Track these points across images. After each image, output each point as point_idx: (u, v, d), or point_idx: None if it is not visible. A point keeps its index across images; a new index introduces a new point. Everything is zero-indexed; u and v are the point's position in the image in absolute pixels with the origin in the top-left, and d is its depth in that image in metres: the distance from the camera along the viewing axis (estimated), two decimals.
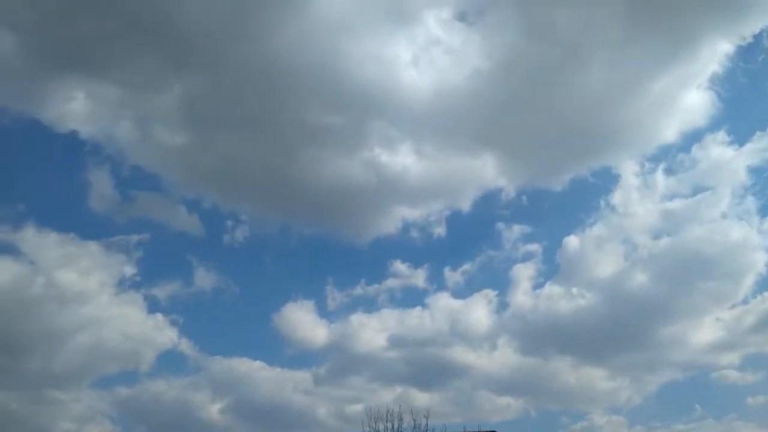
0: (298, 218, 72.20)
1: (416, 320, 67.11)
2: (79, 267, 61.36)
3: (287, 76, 64.34)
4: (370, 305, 69.54)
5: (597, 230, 69.65)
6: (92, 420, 57.19)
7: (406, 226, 70.32)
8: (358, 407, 54.42)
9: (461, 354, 64.42)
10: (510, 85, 65.99)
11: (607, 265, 67.03)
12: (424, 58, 71.36)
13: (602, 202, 72.64)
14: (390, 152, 69.92)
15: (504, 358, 65.13)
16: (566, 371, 64.27)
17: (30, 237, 60.38)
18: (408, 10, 69.73)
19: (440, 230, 71.01)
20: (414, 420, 35.46)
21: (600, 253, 67.75)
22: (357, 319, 66.87)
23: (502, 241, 72.05)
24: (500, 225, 71.70)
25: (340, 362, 65.01)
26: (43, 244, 60.95)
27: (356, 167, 69.36)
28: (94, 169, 68.37)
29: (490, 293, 67.38)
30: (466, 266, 70.12)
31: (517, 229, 70.76)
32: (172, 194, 69.36)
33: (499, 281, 71.96)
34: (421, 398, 61.56)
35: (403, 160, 69.89)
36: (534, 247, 69.90)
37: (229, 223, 70.17)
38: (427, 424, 35.60)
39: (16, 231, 60.62)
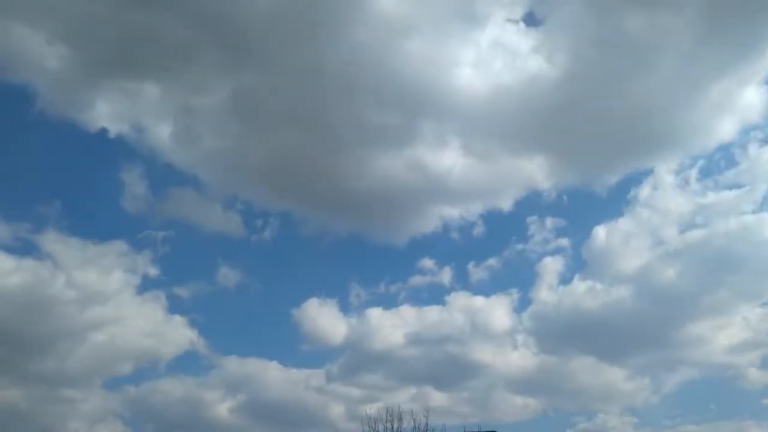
0: (338, 218, 72.86)
1: (436, 318, 67.25)
2: (102, 266, 62.28)
3: (342, 75, 64.56)
4: (390, 303, 70.52)
5: (626, 224, 69.85)
6: (104, 420, 57.86)
7: (444, 226, 70.87)
8: (374, 406, 54.48)
9: (481, 353, 64.69)
10: (568, 89, 65.52)
11: (634, 259, 67.21)
12: (485, 59, 71.17)
13: (636, 198, 71.84)
14: (437, 152, 70.17)
15: (524, 356, 65.30)
16: (586, 371, 64.38)
17: (55, 236, 61.71)
18: (476, 12, 69.97)
19: (478, 230, 71.75)
20: (414, 420, 35.96)
21: (627, 248, 67.97)
22: (376, 316, 67.10)
23: (531, 237, 72.11)
24: (531, 219, 71.85)
25: (356, 360, 65.30)
26: (67, 243, 62.16)
27: (402, 167, 69.79)
28: (130, 168, 69.01)
29: (514, 291, 68.08)
30: (492, 262, 70.44)
31: (549, 223, 71.13)
32: (211, 194, 70.04)
33: (524, 278, 71.42)
34: (437, 397, 62.20)
35: (449, 160, 70.05)
36: (563, 241, 70.15)
37: (261, 222, 71.09)
38: (427, 424, 36.11)
39: (41, 231, 61.82)
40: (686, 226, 66.70)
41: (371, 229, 73.74)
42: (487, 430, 40.97)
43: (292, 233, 73.25)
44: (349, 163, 68.66)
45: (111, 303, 61.34)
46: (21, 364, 58.40)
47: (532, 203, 72.93)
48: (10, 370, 57.80)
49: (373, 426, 35.28)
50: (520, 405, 63.60)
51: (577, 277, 68.28)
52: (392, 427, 35.40)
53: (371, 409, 36.64)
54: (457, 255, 73.04)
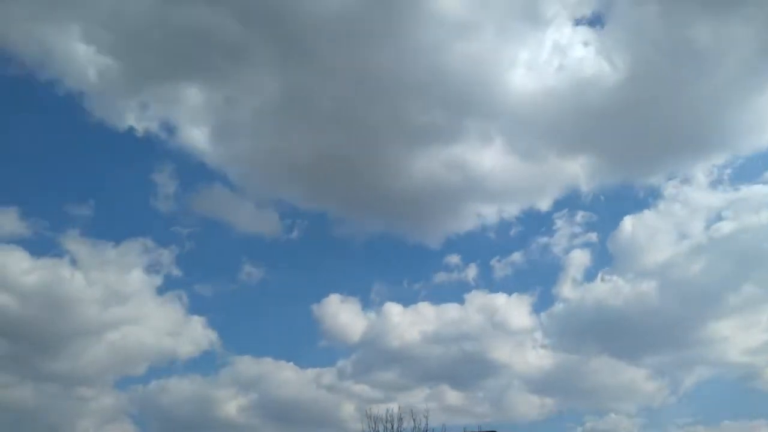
0: (373, 218, 73.82)
1: (456, 316, 67.65)
2: (125, 265, 63.86)
3: (391, 75, 66.00)
4: (410, 300, 72.61)
5: (653, 218, 69.77)
6: (116, 419, 59.04)
7: (481, 226, 71.65)
8: (386, 405, 54.80)
9: (499, 351, 65.00)
10: (624, 92, 65.89)
11: (659, 254, 67.33)
12: (541, 60, 71.97)
13: (667, 193, 71.67)
14: (479, 151, 70.90)
15: (542, 355, 65.55)
16: (604, 370, 64.41)
17: (79, 235, 63.82)
18: (541, 12, 70.48)
19: (515, 230, 73.11)
20: (414, 420, 36.40)
21: (653, 242, 68.00)
22: (396, 313, 67.62)
23: (557, 233, 72.35)
24: (559, 214, 72.29)
25: (372, 357, 65.92)
26: (91, 243, 64.11)
27: (442, 166, 70.50)
28: (165, 168, 70.69)
29: (537, 288, 69.21)
30: (518, 260, 71.26)
31: (579, 218, 71.38)
32: (247, 193, 71.68)
33: (548, 275, 72.18)
34: (453, 396, 63.03)
35: (491, 159, 70.79)
36: (591, 236, 70.22)
37: (294, 222, 72.44)
38: (427, 424, 36.55)
39: (67, 230, 64.33)
40: (714, 221, 66.62)
41: (406, 228, 74.61)
42: (491, 430, 41.37)
43: (323, 233, 74.91)
44: (390, 163, 69.75)
45: (131, 303, 62.73)
46: (38, 361, 59.85)
47: (571, 203, 73.68)
48: (25, 368, 59.16)
49: (374, 426, 35.79)
50: (536, 404, 63.82)
51: (601, 273, 68.52)
52: (392, 427, 35.93)
53: (372, 409, 36.82)
54: (487, 254, 74.59)
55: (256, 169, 70.73)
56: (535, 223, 74.67)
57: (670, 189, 70.12)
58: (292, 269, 74.01)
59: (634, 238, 68.60)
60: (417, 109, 67.23)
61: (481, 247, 73.33)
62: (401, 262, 77.02)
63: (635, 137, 67.37)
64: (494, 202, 73.48)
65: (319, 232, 74.66)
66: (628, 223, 69.17)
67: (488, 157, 70.48)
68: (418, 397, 61.80)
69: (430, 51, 65.69)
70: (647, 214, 70.59)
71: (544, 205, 71.06)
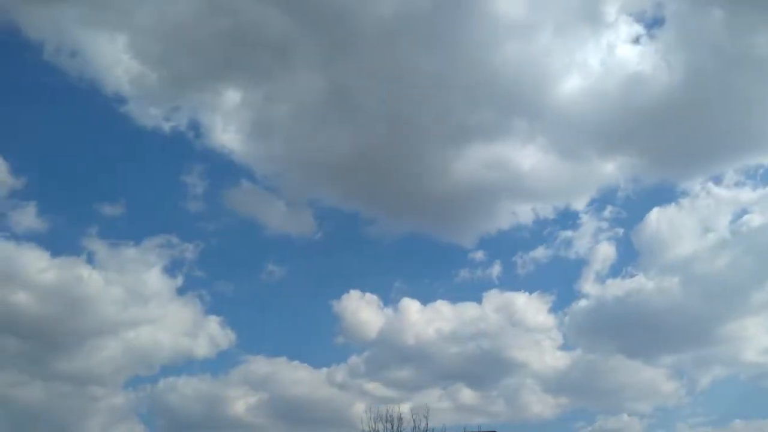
0: (407, 217, 74.29)
1: (476, 314, 67.92)
2: (147, 264, 65.03)
3: (439, 74, 66.59)
4: (429, 298, 72.62)
5: (679, 214, 69.61)
6: (127, 418, 59.93)
7: (515, 225, 72.13)
8: (403, 404, 55.45)
9: (517, 350, 65.32)
10: (674, 94, 66.02)
11: (683, 250, 67.41)
12: (594, 60, 72.69)
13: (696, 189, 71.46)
14: (520, 151, 71.28)
15: (560, 354, 66.06)
16: (621, 369, 64.58)
17: (102, 234, 64.99)
18: (601, 14, 71.15)
19: (549, 229, 73.44)
20: (414, 420, 37.33)
21: (678, 238, 67.93)
22: (414, 311, 68.00)
23: (581, 229, 72.67)
24: (585, 210, 72.45)
25: (387, 355, 66.26)
26: (114, 242, 65.26)
27: (482, 166, 71.01)
28: (197, 167, 71.86)
29: (558, 287, 69.95)
30: (541, 258, 71.71)
31: (607, 214, 71.78)
32: (282, 192, 72.68)
33: (572, 273, 72.22)
34: (468, 395, 63.89)
35: (532, 159, 71.13)
36: (617, 232, 70.54)
37: (325, 221, 73.02)
38: (427, 424, 37.47)
39: (90, 232, 65.22)
40: (741, 215, 66.62)
41: (439, 228, 75.52)
42: (491, 430, 42.21)
43: (353, 232, 76.00)
44: (430, 163, 70.67)
45: (149, 302, 63.74)
46: (53, 360, 61.12)
47: (605, 203, 74.09)
48: (38, 367, 60.09)
49: (373, 426, 36.74)
50: (551, 404, 64.16)
51: (624, 269, 69.00)
52: (392, 427, 36.86)
53: (373, 409, 37.78)
54: (514, 253, 74.67)
55: (293, 168, 71.70)
56: (569, 222, 76.39)
57: (698, 187, 70.13)
58: (315, 268, 75.06)
59: (658, 233, 68.81)
60: (463, 108, 68.39)
61: (511, 246, 74.27)
62: (427, 261, 78.08)
63: (680, 139, 67.64)
64: (530, 201, 73.98)
65: (348, 231, 76.08)
66: (653, 218, 69.23)
67: (528, 157, 70.90)
68: (432, 396, 62.64)
69: (479, 51, 66.75)
70: (672, 210, 70.34)
71: (579, 204, 71.76)
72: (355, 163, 68.95)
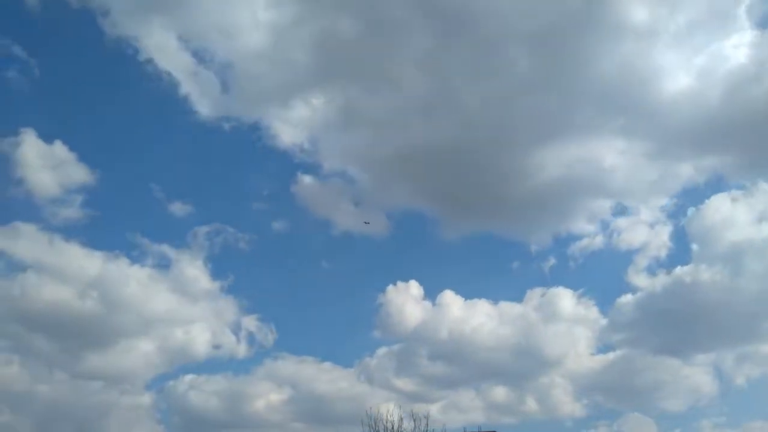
0: (476, 216, 78.28)
1: (519, 312, 72.23)
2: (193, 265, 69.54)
3: (535, 74, 70.28)
4: (471, 294, 75.95)
5: (735, 208, 71.88)
6: (148, 417, 65.05)
7: (589, 224, 75.15)
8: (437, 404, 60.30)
9: (555, 348, 68.28)
10: None
11: (736, 238, 69.16)
12: (708, 64, 75.61)
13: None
14: (607, 152, 74.51)
15: (596, 355, 69.36)
16: (658, 368, 67.73)
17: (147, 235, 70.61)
18: (724, 19, 75.72)
19: (614, 231, 76.19)
20: (414, 421, 38.88)
21: (731, 232, 69.89)
22: (456, 308, 72.46)
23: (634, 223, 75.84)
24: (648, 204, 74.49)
25: (423, 349, 70.67)
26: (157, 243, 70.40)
27: (564, 167, 74.49)
28: (275, 165, 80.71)
29: (602, 285, 74.22)
30: (593, 250, 75.36)
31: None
32: (358, 192, 77.91)
33: (619, 269, 75.61)
34: (500, 393, 67.86)
35: (617, 159, 74.21)
36: (668, 227, 74.40)
37: (390, 220, 77.65)
38: (427, 425, 38.99)
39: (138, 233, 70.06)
40: None
41: (510, 227, 79.59)
42: (491, 430, 43.55)
43: (418, 230, 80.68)
44: (514, 163, 73.88)
45: (189, 301, 68.67)
46: (83, 357, 66.39)
47: (683, 200, 77.45)
48: (70, 364, 65.65)
49: (374, 426, 38.27)
50: (582, 403, 67.48)
51: (675, 265, 71.69)
52: (393, 427, 38.40)
53: (372, 409, 39.30)
54: (578, 252, 77.12)
55: (372, 168, 76.28)
56: (629, 218, 77.31)
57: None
58: (372, 266, 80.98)
59: (711, 229, 70.88)
60: (560, 108, 71.47)
61: (580, 245, 76.37)
62: (487, 259, 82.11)
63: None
64: (609, 200, 77.10)
65: (414, 230, 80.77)
66: (707, 215, 71.45)
67: (613, 157, 73.76)
68: (465, 394, 67.29)
69: (586, 54, 70.25)
70: (727, 204, 72.19)
71: (655, 204, 75.12)
72: (437, 164, 72.80)
